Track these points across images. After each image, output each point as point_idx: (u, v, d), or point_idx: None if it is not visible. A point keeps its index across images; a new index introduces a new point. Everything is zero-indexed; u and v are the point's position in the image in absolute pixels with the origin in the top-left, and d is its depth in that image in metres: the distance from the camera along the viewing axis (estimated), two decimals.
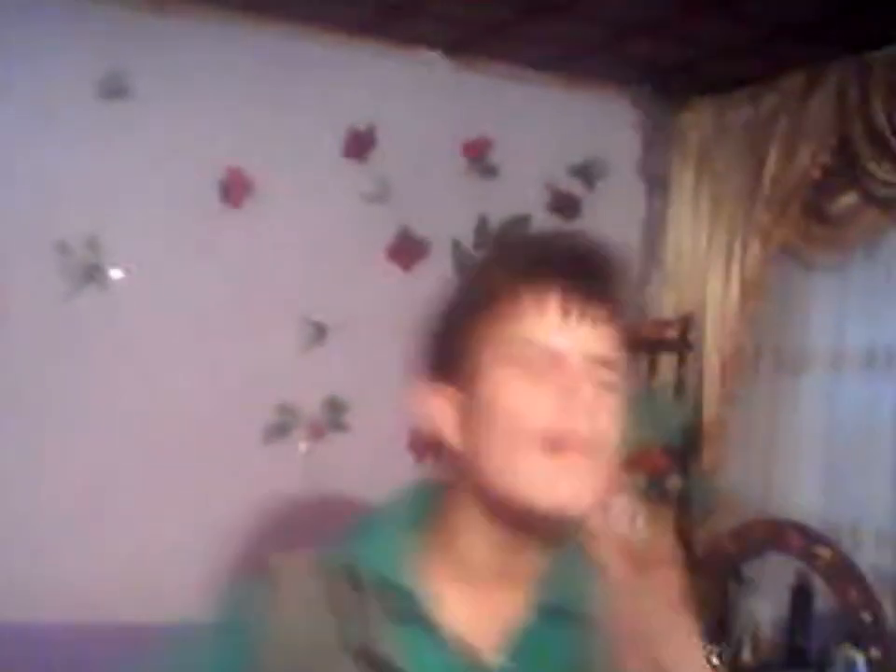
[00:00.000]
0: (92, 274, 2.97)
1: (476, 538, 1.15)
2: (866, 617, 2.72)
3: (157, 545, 2.88)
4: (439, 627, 1.13)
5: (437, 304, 1.22)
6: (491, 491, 1.12)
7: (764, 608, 3.13)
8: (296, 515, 2.86)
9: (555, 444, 1.08)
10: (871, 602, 2.73)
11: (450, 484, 1.18)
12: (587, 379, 1.12)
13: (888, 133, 2.81)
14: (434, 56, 3.30)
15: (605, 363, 1.14)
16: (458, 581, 1.16)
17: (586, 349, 1.13)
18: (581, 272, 1.15)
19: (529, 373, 1.12)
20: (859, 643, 2.74)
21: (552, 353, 1.12)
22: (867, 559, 2.88)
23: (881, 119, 2.83)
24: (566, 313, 1.13)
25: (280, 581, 1.18)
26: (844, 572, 2.78)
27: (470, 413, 1.15)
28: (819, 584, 2.92)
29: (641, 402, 3.38)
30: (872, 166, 2.88)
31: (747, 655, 3.00)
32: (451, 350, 1.18)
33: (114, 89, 2.94)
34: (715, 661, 2.83)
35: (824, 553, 2.82)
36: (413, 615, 1.12)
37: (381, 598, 1.13)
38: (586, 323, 1.13)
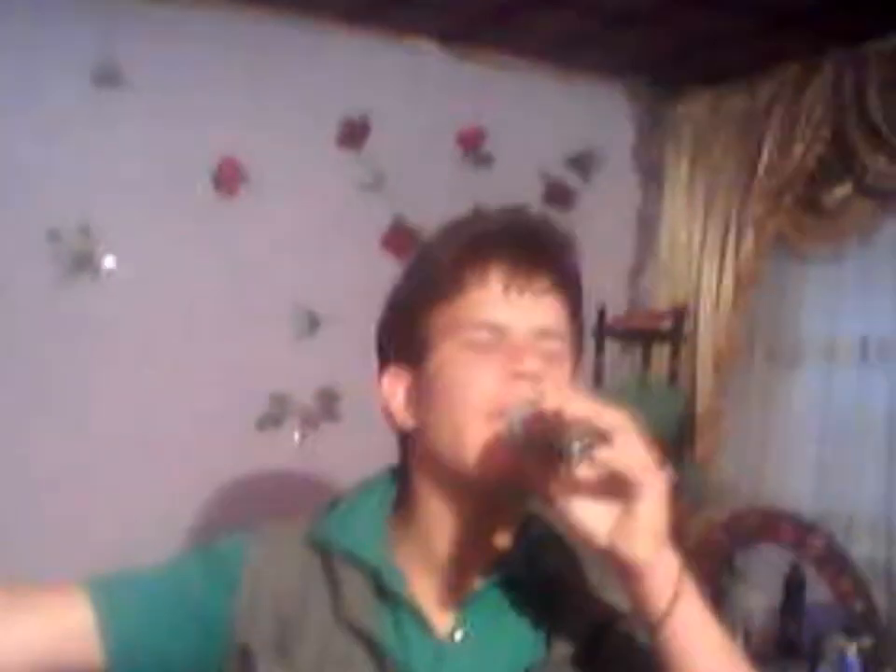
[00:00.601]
0: (84, 263, 2.96)
1: (435, 515, 1.18)
2: (858, 607, 2.73)
3: (149, 534, 2.87)
4: (401, 601, 1.16)
5: (393, 284, 1.25)
6: (441, 463, 1.15)
7: (757, 598, 3.13)
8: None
9: (499, 416, 1.09)
10: (862, 592, 2.74)
11: (409, 466, 1.21)
12: (530, 351, 1.13)
13: (882, 124, 2.81)
14: (429, 45, 3.29)
15: (549, 334, 1.15)
16: (422, 558, 1.19)
17: (528, 321, 1.14)
18: (521, 244, 1.17)
19: (473, 347, 1.13)
20: (850, 633, 2.75)
21: (494, 326, 1.14)
22: (859, 549, 2.90)
23: (876, 111, 2.83)
24: (506, 286, 1.14)
25: (269, 536, 1.25)
26: (836, 562, 2.79)
27: (419, 390, 1.18)
28: (811, 575, 2.93)
29: (634, 393, 3.39)
30: (866, 158, 2.88)
31: (738, 646, 3.00)
32: (399, 332, 1.21)
33: (107, 76, 2.92)
34: None
35: (816, 543, 2.83)
36: (378, 589, 1.16)
37: (350, 573, 1.17)
38: (527, 295, 1.15)
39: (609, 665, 1.13)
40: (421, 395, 1.17)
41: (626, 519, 0.98)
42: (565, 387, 1.09)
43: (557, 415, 0.98)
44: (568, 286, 1.20)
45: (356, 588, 1.17)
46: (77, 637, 1.15)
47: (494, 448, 1.09)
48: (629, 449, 0.98)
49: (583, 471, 0.97)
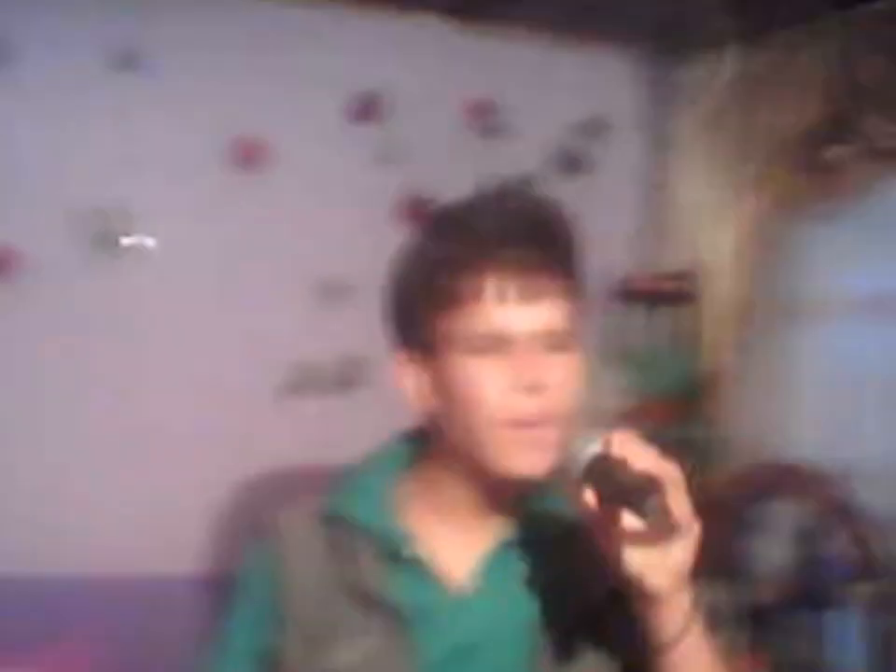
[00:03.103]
0: (108, 242, 3.03)
1: (453, 485, 1.23)
2: (867, 555, 2.80)
3: (174, 501, 2.96)
4: (418, 562, 1.22)
5: (392, 273, 1.24)
6: (464, 457, 1.19)
7: (770, 550, 3.20)
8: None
9: (516, 424, 1.13)
10: (871, 540, 2.80)
11: (431, 437, 1.25)
12: (536, 354, 1.15)
13: (876, 85, 2.85)
14: (438, 20, 3.34)
15: (553, 333, 1.16)
16: (437, 520, 1.24)
17: (530, 326, 1.15)
18: (517, 249, 1.15)
19: (477, 354, 1.15)
20: (860, 580, 2.82)
21: (495, 336, 1.14)
22: (867, 499, 2.93)
23: (870, 72, 2.87)
24: (503, 296, 1.14)
25: (284, 537, 1.28)
26: (844, 512, 2.85)
27: (433, 382, 1.20)
28: (821, 525, 2.99)
29: (645, 355, 3.46)
30: (862, 118, 2.92)
31: (754, 597, 3.07)
32: (404, 326, 1.22)
33: (126, 58, 2.98)
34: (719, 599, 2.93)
35: (825, 494, 2.90)
36: (395, 553, 1.21)
37: (367, 541, 1.22)
38: (527, 301, 1.15)
39: (610, 637, 1.19)
40: (435, 388, 1.20)
41: (660, 556, 1.04)
42: (628, 436, 1.07)
43: (626, 464, 1.03)
44: (568, 274, 1.19)
45: (367, 556, 1.22)
46: None
47: (554, 464, 1.14)
48: (678, 499, 1.03)
49: (644, 521, 1.02)
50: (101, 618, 2.76)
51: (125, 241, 3.05)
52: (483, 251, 1.15)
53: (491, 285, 1.14)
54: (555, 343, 1.17)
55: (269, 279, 3.20)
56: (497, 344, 1.15)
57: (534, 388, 1.14)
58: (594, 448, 1.06)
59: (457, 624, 1.21)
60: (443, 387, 1.18)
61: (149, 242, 3.08)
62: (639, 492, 1.01)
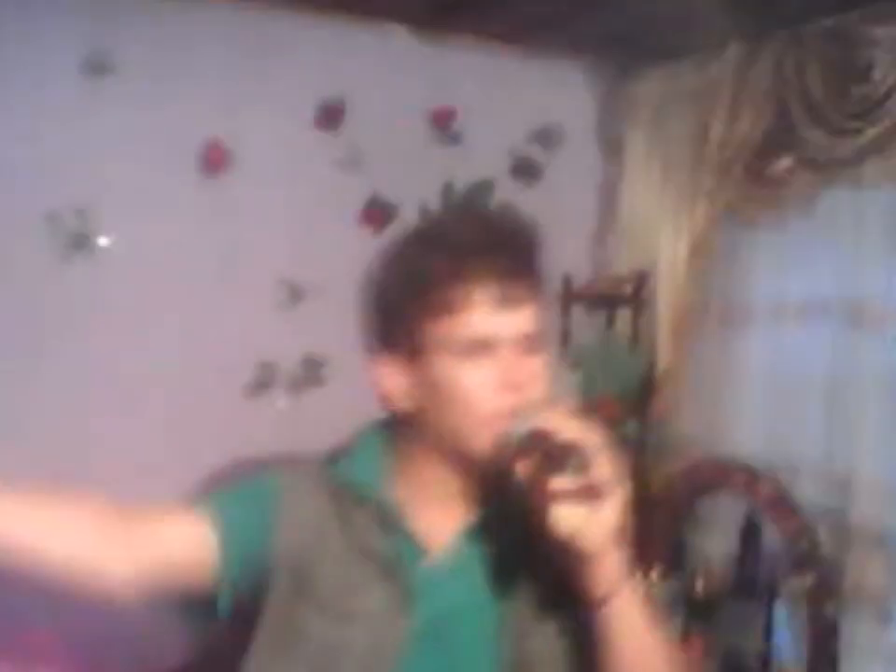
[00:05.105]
0: (81, 242, 3.09)
1: (431, 467, 1.36)
2: (804, 546, 2.89)
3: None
4: (406, 531, 1.35)
5: (374, 278, 1.36)
6: (449, 445, 1.32)
7: (715, 542, 3.28)
8: None
9: (498, 418, 1.27)
10: (807, 532, 2.90)
11: (407, 429, 1.37)
12: (517, 356, 1.30)
13: (821, 100, 2.93)
14: (400, 30, 3.41)
15: (531, 336, 1.31)
16: (419, 497, 1.37)
17: (514, 330, 1.30)
18: (501, 261, 1.29)
19: (466, 357, 1.28)
20: (798, 572, 2.91)
21: (484, 341, 1.28)
22: (803, 494, 3.03)
23: (815, 88, 2.95)
24: (491, 304, 1.28)
25: (291, 475, 1.41)
26: (783, 506, 2.93)
27: (418, 383, 1.32)
28: (762, 520, 3.07)
29: (599, 354, 3.57)
30: (807, 132, 3.00)
31: (699, 588, 3.16)
32: (391, 332, 1.34)
33: (98, 64, 3.04)
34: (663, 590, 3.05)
35: (765, 488, 2.98)
36: (388, 521, 1.35)
37: (359, 509, 1.36)
38: (510, 308, 1.29)
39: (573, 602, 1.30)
40: (421, 389, 1.32)
41: (587, 515, 1.17)
42: (558, 411, 1.24)
43: (552, 435, 1.19)
44: (537, 279, 1.33)
45: (364, 521, 1.35)
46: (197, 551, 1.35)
47: (496, 444, 1.27)
48: (605, 465, 1.18)
49: (567, 482, 1.17)
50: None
51: (90, 241, 3.10)
52: (471, 263, 1.27)
53: (480, 294, 1.27)
54: (530, 344, 1.31)
55: (234, 280, 3.26)
56: (484, 348, 1.28)
57: (514, 387, 1.27)
58: (528, 424, 1.22)
59: (438, 595, 1.34)
60: (429, 387, 1.31)
61: (116, 242, 3.13)
62: (563, 457, 1.17)
